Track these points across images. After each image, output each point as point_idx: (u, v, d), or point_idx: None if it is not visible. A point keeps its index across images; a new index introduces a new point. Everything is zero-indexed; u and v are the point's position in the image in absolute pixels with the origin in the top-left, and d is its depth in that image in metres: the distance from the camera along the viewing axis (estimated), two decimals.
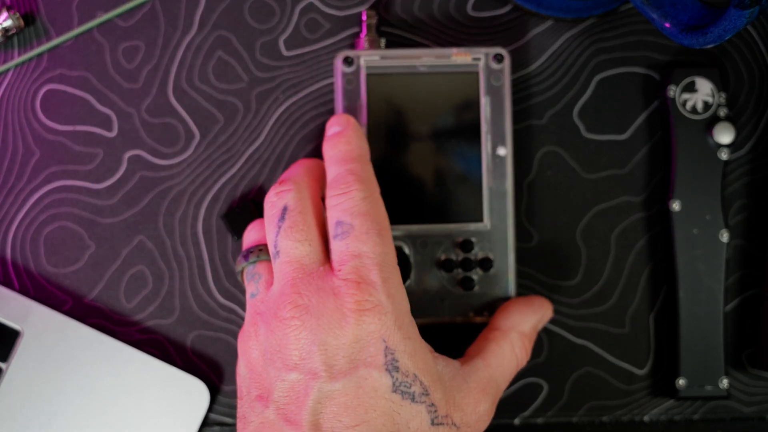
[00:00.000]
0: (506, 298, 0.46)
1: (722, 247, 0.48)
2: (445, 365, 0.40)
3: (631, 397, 0.49)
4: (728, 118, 0.48)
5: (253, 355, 0.40)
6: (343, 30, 0.49)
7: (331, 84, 0.49)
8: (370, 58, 0.47)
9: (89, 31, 0.49)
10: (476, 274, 0.46)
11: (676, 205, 0.48)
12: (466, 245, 0.47)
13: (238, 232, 0.48)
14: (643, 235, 0.50)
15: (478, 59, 0.47)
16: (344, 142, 0.43)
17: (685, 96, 0.48)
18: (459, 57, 0.47)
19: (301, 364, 0.37)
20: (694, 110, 0.48)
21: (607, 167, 0.49)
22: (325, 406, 0.37)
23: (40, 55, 0.49)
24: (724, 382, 0.47)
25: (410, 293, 0.44)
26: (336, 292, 0.38)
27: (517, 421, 0.49)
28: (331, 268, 0.39)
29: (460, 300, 0.46)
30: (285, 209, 0.40)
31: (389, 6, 0.49)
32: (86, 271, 0.49)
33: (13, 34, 0.49)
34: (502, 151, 0.47)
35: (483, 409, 0.40)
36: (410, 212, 0.46)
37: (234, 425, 0.49)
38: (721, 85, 0.48)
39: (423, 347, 0.39)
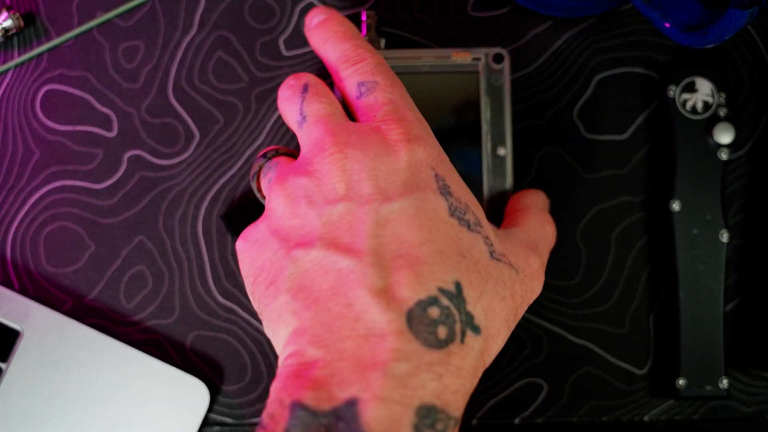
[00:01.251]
0: None
1: (722, 247, 0.48)
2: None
3: (631, 397, 0.49)
4: (728, 118, 0.48)
5: (277, 212, 0.36)
6: None
7: (332, 84, 0.49)
8: None
9: (89, 31, 0.49)
10: None
11: (676, 205, 0.48)
12: None
13: (238, 232, 0.48)
14: (643, 235, 0.50)
15: (478, 59, 0.47)
16: (338, 23, 0.41)
17: (685, 96, 0.48)
18: (459, 57, 0.47)
19: (349, 193, 0.35)
20: (694, 110, 0.48)
21: (607, 167, 0.49)
22: (384, 228, 0.34)
23: (40, 55, 0.49)
24: (724, 382, 0.47)
25: None
26: (377, 129, 0.37)
27: (517, 421, 0.49)
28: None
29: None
30: (306, 85, 0.39)
31: (389, 6, 0.49)
32: (86, 271, 0.49)
33: (13, 34, 0.49)
34: (502, 151, 0.47)
35: (534, 263, 0.39)
36: None
37: (235, 425, 0.49)
38: (721, 85, 0.48)
39: (467, 187, 0.38)
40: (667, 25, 0.41)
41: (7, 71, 0.49)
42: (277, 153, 0.40)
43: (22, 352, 0.47)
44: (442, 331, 0.33)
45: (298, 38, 0.49)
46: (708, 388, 0.47)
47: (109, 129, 0.49)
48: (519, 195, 0.46)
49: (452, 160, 0.46)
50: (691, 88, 0.48)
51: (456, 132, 0.47)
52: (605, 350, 0.49)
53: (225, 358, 0.49)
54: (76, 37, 0.49)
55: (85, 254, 0.49)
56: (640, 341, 0.49)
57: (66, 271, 0.49)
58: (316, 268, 0.34)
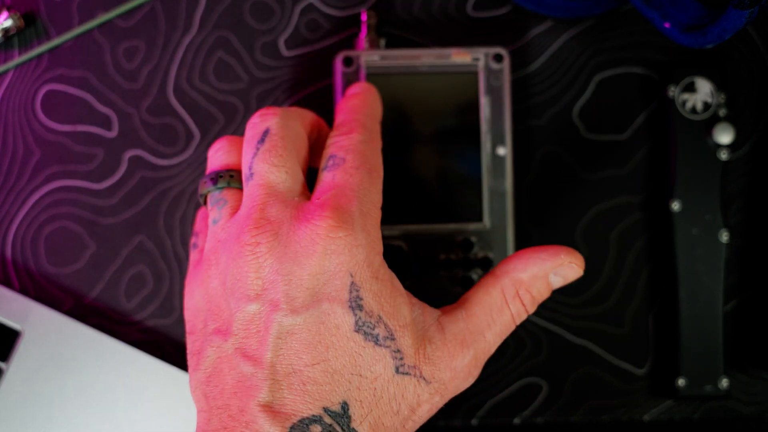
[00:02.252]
0: None
1: (722, 248, 0.48)
2: (422, 313, 0.37)
3: (631, 397, 0.49)
4: (728, 118, 0.48)
5: (212, 284, 0.37)
6: (343, 30, 0.49)
7: (331, 84, 0.49)
8: (369, 58, 0.47)
9: (89, 31, 0.49)
10: (476, 274, 0.46)
11: (676, 205, 0.48)
12: (466, 245, 0.47)
13: None
14: (642, 235, 0.50)
15: (477, 59, 0.47)
16: (360, 99, 0.42)
17: (685, 96, 0.48)
18: (459, 57, 0.47)
19: (263, 294, 0.35)
20: (693, 110, 0.48)
21: (607, 167, 0.49)
22: (285, 341, 0.35)
23: (40, 55, 0.49)
24: (724, 382, 0.47)
25: (409, 292, 0.44)
26: (308, 217, 0.36)
27: (517, 420, 0.49)
28: (308, 199, 0.37)
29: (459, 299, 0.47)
30: (266, 132, 0.38)
31: (389, 6, 0.49)
32: (86, 271, 0.49)
33: (13, 34, 0.49)
34: (501, 151, 0.47)
35: (460, 365, 0.37)
36: (410, 212, 0.47)
37: None
38: (721, 85, 0.48)
39: (394, 291, 0.36)
40: (667, 25, 0.41)
41: (7, 71, 0.49)
42: (228, 184, 0.40)
43: (22, 352, 0.47)
44: None
45: (298, 38, 0.49)
46: (708, 387, 0.47)
47: (109, 129, 0.49)
48: (512, 256, 0.39)
49: (452, 160, 0.46)
50: (691, 88, 0.48)
51: (456, 132, 0.47)
52: (605, 350, 0.49)
53: None
54: (76, 37, 0.49)
55: (86, 254, 0.49)
56: (639, 341, 0.49)
57: (66, 271, 0.49)
58: (227, 361, 0.36)
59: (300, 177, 0.38)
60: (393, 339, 0.36)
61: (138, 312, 0.49)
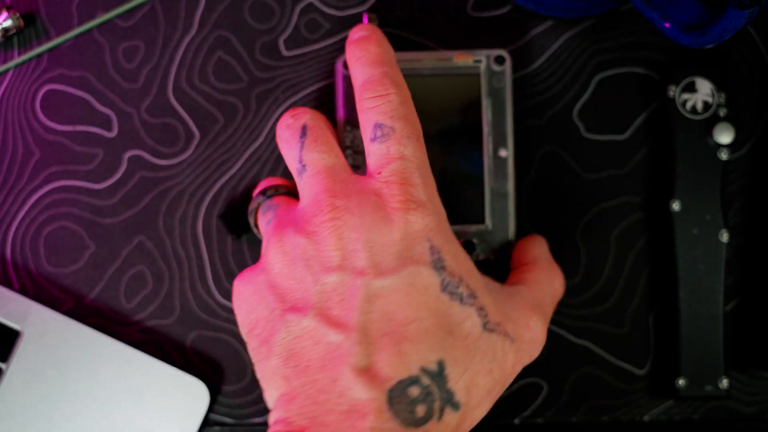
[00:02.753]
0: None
1: (722, 247, 0.48)
2: (489, 280, 0.39)
3: (631, 397, 0.49)
4: (728, 118, 0.48)
5: (275, 268, 0.37)
6: (343, 30, 0.49)
7: (332, 84, 0.49)
8: None
9: (89, 31, 0.49)
10: None
11: (676, 205, 0.48)
12: (468, 246, 0.47)
13: (236, 231, 0.48)
14: (643, 236, 0.50)
15: (479, 61, 0.47)
16: (375, 44, 0.41)
17: (685, 96, 0.48)
18: (460, 59, 0.47)
19: (344, 264, 0.36)
20: (694, 110, 0.48)
21: (607, 167, 0.49)
22: (374, 304, 0.35)
23: (40, 55, 0.49)
24: (724, 382, 0.47)
25: None
26: (377, 192, 0.37)
27: (517, 421, 0.49)
28: (364, 175, 0.38)
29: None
30: (305, 127, 0.40)
31: (389, 6, 0.49)
32: (86, 271, 0.49)
33: (13, 34, 0.49)
34: (503, 153, 0.47)
35: (536, 327, 0.39)
36: None
37: (235, 425, 0.49)
38: (721, 85, 0.48)
39: (465, 254, 0.38)
40: (667, 25, 0.41)
41: (7, 71, 0.49)
42: (277, 191, 0.41)
43: (22, 352, 0.47)
44: (420, 410, 0.34)
45: (298, 38, 0.49)
46: (708, 388, 0.47)
47: (109, 129, 0.49)
48: (524, 245, 0.45)
49: (454, 162, 0.46)
50: (691, 88, 0.48)
51: (458, 133, 0.47)
52: (605, 350, 0.49)
53: (225, 358, 0.49)
54: (76, 37, 0.49)
55: (85, 254, 0.49)
56: (640, 341, 0.49)
57: (66, 271, 0.49)
58: (308, 337, 0.36)
59: (343, 157, 0.39)
60: (475, 297, 0.37)
61: (138, 312, 0.49)
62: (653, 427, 0.49)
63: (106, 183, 0.49)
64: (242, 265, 0.49)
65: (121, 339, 0.48)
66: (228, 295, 0.49)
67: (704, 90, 0.48)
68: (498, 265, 0.47)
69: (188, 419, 0.47)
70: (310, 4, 0.49)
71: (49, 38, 0.49)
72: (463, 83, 0.47)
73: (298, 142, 0.39)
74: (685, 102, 0.48)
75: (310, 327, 0.35)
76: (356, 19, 0.49)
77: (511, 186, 0.47)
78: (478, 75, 0.47)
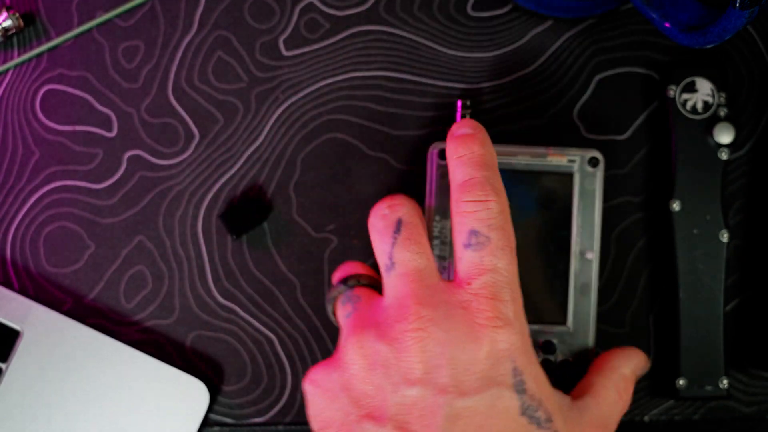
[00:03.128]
0: None
1: (722, 247, 0.48)
2: (561, 397, 0.39)
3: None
4: (728, 118, 0.48)
5: (353, 370, 0.37)
6: (343, 30, 0.49)
7: (332, 84, 0.49)
8: None
9: (89, 31, 0.49)
10: (555, 376, 0.46)
11: (676, 205, 0.48)
12: (548, 347, 0.46)
13: (236, 231, 0.48)
14: (643, 236, 0.50)
15: (573, 161, 0.47)
16: (479, 144, 0.40)
17: (685, 96, 0.48)
18: (554, 158, 0.46)
19: (426, 378, 0.35)
20: (694, 110, 0.48)
21: (607, 167, 0.49)
22: (455, 424, 0.34)
23: (39, 55, 0.49)
24: (724, 382, 0.47)
25: None
26: (465, 306, 0.36)
27: None
28: (454, 282, 0.38)
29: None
30: (400, 221, 0.39)
31: (389, 6, 0.49)
32: (86, 271, 0.49)
33: (13, 34, 0.49)
34: (590, 255, 0.46)
35: None
36: None
37: (235, 425, 0.49)
38: (721, 85, 0.48)
39: (544, 374, 0.38)
40: (667, 25, 0.41)
41: (7, 71, 0.49)
42: (359, 282, 0.40)
43: (22, 352, 0.47)
44: None
45: (298, 38, 0.49)
46: (708, 388, 0.47)
47: (109, 129, 0.49)
48: (611, 354, 0.44)
49: (540, 260, 0.46)
50: (691, 88, 0.48)
51: (545, 232, 0.46)
52: (605, 350, 0.49)
53: (225, 358, 0.49)
54: (76, 37, 0.49)
55: (85, 254, 0.49)
56: (640, 341, 0.49)
57: (66, 271, 0.49)
58: None
59: (433, 260, 0.38)
60: (551, 421, 0.36)
61: (137, 312, 0.49)
62: (653, 427, 0.49)
63: (106, 183, 0.49)
64: (242, 265, 0.49)
65: (121, 339, 0.48)
66: (228, 295, 0.49)
67: (704, 90, 0.48)
68: (576, 367, 0.46)
69: (188, 419, 0.47)
70: (310, 4, 0.49)
71: (49, 38, 0.49)
72: (555, 182, 0.46)
73: (391, 237, 0.38)
74: (685, 102, 0.48)
75: None
76: (356, 19, 0.49)
77: (594, 290, 0.46)
78: (571, 174, 0.47)
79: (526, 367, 0.36)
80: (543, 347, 0.46)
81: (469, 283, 0.37)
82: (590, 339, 0.46)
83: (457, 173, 0.39)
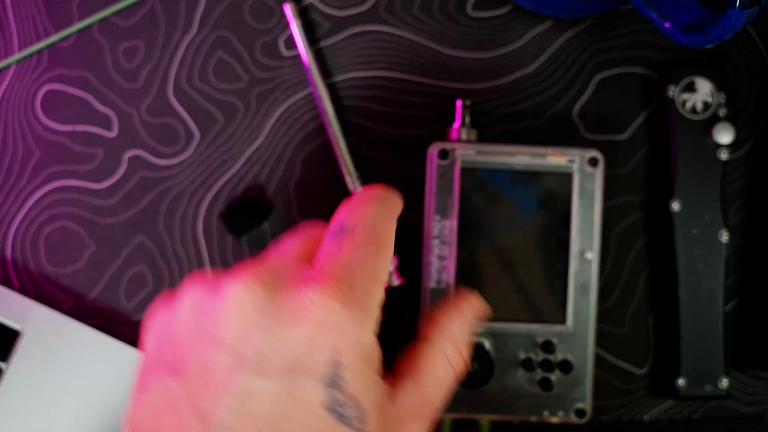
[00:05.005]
0: (583, 402, 0.46)
1: (722, 247, 0.48)
2: (387, 389, 0.35)
3: (630, 397, 0.49)
4: (728, 118, 0.48)
5: (180, 315, 0.34)
6: (342, 30, 0.49)
7: (331, 84, 0.49)
8: (465, 152, 0.46)
9: (89, 31, 0.49)
10: (555, 376, 0.46)
11: (676, 205, 0.48)
12: (548, 346, 0.46)
13: (237, 231, 0.48)
14: (643, 235, 0.50)
15: (573, 161, 0.47)
16: (377, 200, 0.38)
17: (685, 96, 0.48)
18: (554, 158, 0.46)
19: (233, 345, 0.32)
20: (693, 110, 0.48)
21: (607, 167, 0.49)
22: (244, 405, 0.31)
23: (39, 55, 0.49)
24: (724, 382, 0.47)
25: (488, 390, 0.45)
26: (306, 280, 0.33)
27: (516, 420, 0.49)
28: (310, 264, 0.35)
29: (536, 400, 0.46)
30: (349, 228, 0.36)
31: (389, 6, 0.49)
32: (86, 271, 0.49)
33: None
34: (589, 255, 0.47)
35: None
36: (494, 309, 0.46)
37: None
38: (721, 85, 0.48)
39: (374, 371, 0.34)
40: (667, 25, 0.41)
41: (6, 70, 0.49)
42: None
43: (22, 352, 0.47)
44: None
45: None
46: (708, 388, 0.47)
47: (109, 129, 0.49)
48: (441, 315, 0.40)
49: (539, 260, 0.46)
50: (691, 88, 0.48)
51: (545, 232, 0.47)
52: (605, 350, 0.49)
53: None
54: (76, 35, 0.49)
55: (85, 254, 0.49)
56: (639, 341, 0.49)
57: (66, 271, 0.49)
58: (172, 406, 0.32)
59: (312, 251, 0.36)
60: (363, 421, 0.33)
61: (138, 312, 0.49)
62: (653, 427, 0.49)
63: (106, 183, 0.49)
64: None
65: (121, 339, 0.48)
66: None
67: (704, 90, 0.48)
68: (576, 366, 0.46)
69: None
70: (310, 4, 0.49)
71: (48, 37, 0.49)
72: (554, 182, 0.47)
73: (337, 236, 0.36)
74: (685, 102, 0.48)
75: (177, 396, 0.32)
76: (356, 19, 0.49)
77: (594, 289, 0.46)
78: (570, 174, 0.47)
79: (350, 361, 0.32)
80: (542, 347, 0.46)
81: (320, 265, 0.34)
82: (590, 339, 0.46)
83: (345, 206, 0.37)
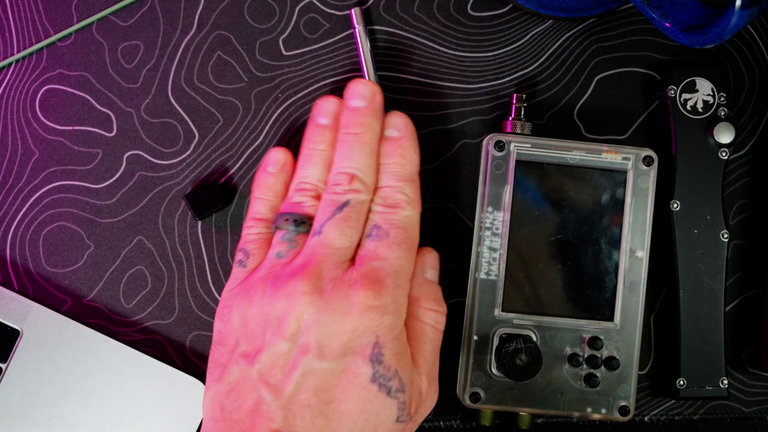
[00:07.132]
0: (627, 400, 0.46)
1: (722, 247, 0.48)
2: (411, 364, 0.43)
3: None
4: (728, 118, 0.48)
5: (252, 311, 0.42)
6: (342, 30, 0.49)
7: (332, 84, 0.49)
8: (521, 145, 0.46)
9: (89, 30, 0.49)
10: (600, 372, 0.46)
11: (676, 205, 0.48)
12: (595, 342, 0.46)
13: (199, 212, 0.48)
14: None
15: (627, 159, 0.47)
16: (406, 147, 0.45)
17: (685, 96, 0.48)
18: (609, 154, 0.46)
19: (297, 337, 0.41)
20: (694, 110, 0.48)
21: None
22: (307, 379, 0.40)
23: (39, 55, 0.49)
24: (724, 382, 0.47)
25: (533, 384, 0.46)
26: (351, 283, 0.41)
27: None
28: (353, 263, 0.42)
29: (580, 396, 0.46)
30: (347, 203, 0.43)
31: (389, 6, 0.49)
32: (86, 271, 0.49)
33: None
34: (640, 253, 0.47)
35: (430, 401, 0.44)
36: (543, 303, 0.47)
37: None
38: (721, 85, 0.48)
39: (408, 352, 0.42)
40: (667, 25, 0.41)
41: (6, 69, 0.49)
42: (305, 229, 0.44)
43: (21, 352, 0.47)
44: None
45: (298, 38, 0.49)
46: (708, 388, 0.47)
47: (109, 129, 0.49)
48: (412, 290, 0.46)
49: (590, 256, 0.46)
50: (691, 88, 0.48)
51: (597, 228, 0.47)
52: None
53: None
54: (75, 35, 0.49)
55: (85, 254, 0.49)
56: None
57: (65, 271, 0.49)
58: (249, 383, 0.41)
59: (355, 244, 0.43)
60: (403, 391, 0.41)
61: (137, 312, 0.49)
62: (653, 427, 0.49)
63: (106, 183, 0.49)
64: None
65: (121, 339, 0.48)
66: None
67: (704, 90, 0.48)
68: (623, 363, 0.46)
69: (188, 419, 0.47)
70: (310, 4, 0.49)
71: (48, 37, 0.49)
72: (609, 178, 0.47)
73: (332, 212, 0.43)
74: (685, 102, 0.48)
75: (252, 377, 0.41)
76: (348, 20, 0.49)
77: (643, 287, 0.46)
78: (625, 172, 0.47)
79: (388, 342, 0.41)
80: (589, 343, 0.46)
81: (361, 265, 0.42)
82: (637, 336, 0.46)
83: (381, 180, 0.44)
